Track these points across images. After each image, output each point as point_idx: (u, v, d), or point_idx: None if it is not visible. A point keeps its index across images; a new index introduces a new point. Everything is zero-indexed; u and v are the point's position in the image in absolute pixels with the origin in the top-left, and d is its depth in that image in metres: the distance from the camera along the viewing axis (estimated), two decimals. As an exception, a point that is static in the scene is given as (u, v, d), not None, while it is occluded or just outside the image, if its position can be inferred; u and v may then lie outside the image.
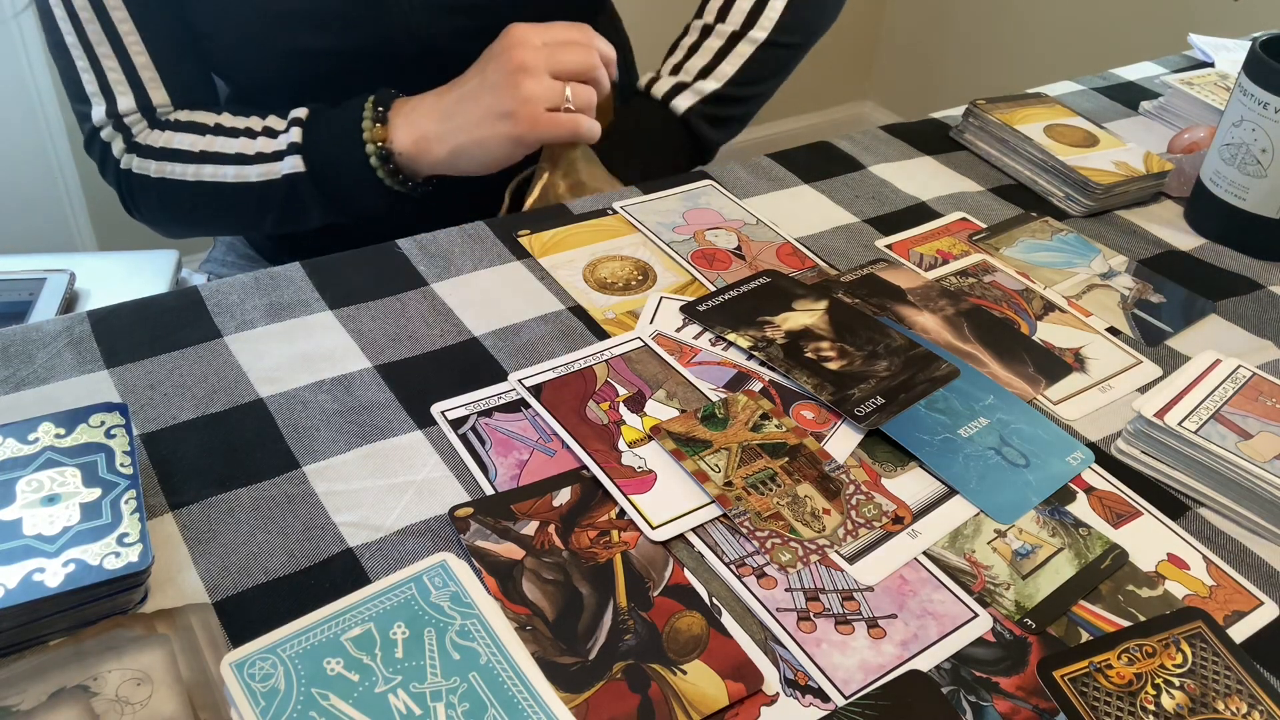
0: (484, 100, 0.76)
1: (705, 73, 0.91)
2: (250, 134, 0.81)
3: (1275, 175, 0.76)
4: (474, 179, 0.81)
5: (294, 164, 0.79)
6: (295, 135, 0.79)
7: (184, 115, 0.83)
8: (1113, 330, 0.70)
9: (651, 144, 0.90)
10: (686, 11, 0.97)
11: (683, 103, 0.90)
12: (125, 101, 0.81)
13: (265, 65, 0.83)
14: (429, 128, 0.78)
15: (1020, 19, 2.38)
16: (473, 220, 0.75)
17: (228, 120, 0.82)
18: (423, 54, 0.83)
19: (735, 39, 0.91)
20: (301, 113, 0.80)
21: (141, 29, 0.79)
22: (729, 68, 0.91)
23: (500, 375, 0.60)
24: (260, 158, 0.80)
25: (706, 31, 0.92)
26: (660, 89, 0.91)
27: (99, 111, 0.81)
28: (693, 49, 0.92)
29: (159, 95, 0.82)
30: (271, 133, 0.81)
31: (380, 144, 0.78)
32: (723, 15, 0.92)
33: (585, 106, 0.78)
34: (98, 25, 0.78)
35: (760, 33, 0.91)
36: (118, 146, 0.82)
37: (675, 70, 0.92)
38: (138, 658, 0.43)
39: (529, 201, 0.82)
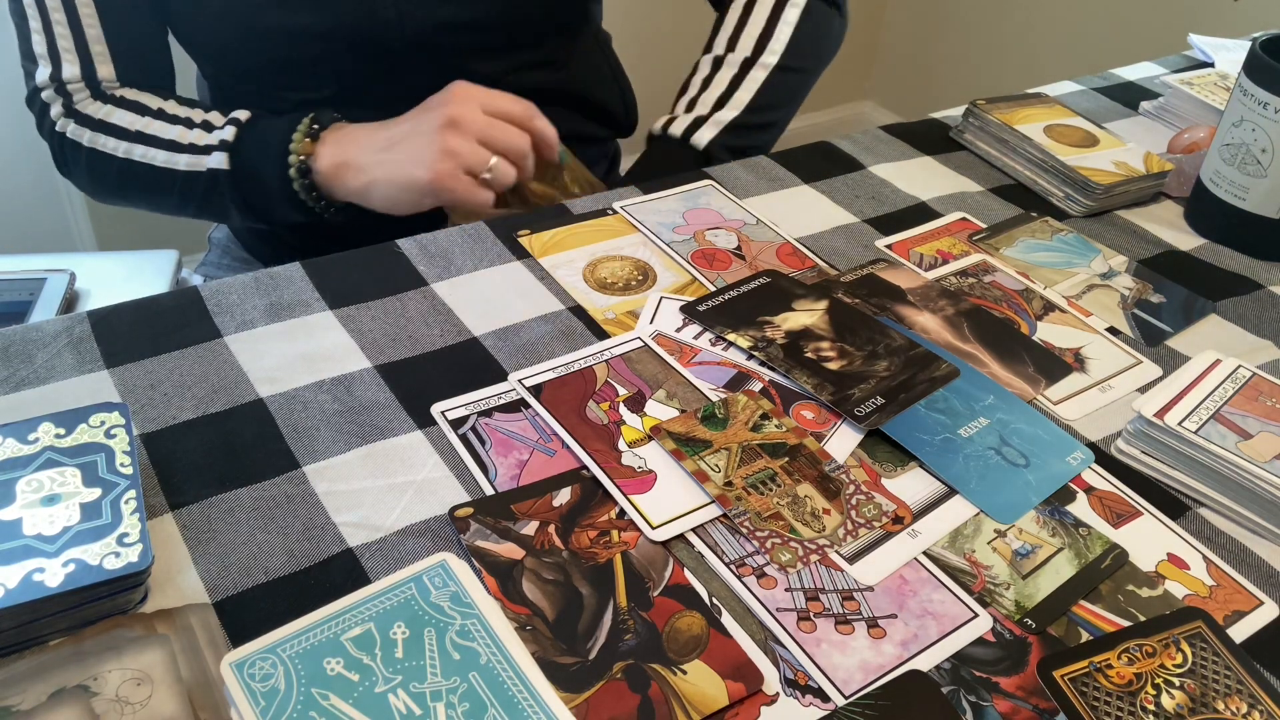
0: (409, 144, 0.77)
1: (721, 103, 0.91)
2: (189, 124, 0.82)
3: (1275, 175, 0.76)
4: None
5: (219, 160, 0.80)
6: (228, 133, 0.80)
7: (130, 93, 0.84)
8: (1113, 330, 0.70)
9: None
10: (682, 48, 0.97)
11: (704, 136, 0.89)
12: (70, 69, 0.82)
13: (242, 45, 0.83)
14: (352, 156, 0.78)
15: (1020, 19, 2.38)
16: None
17: (171, 107, 0.83)
18: (408, 45, 0.83)
19: (748, 66, 0.91)
20: (243, 114, 0.81)
21: (98, 1, 0.80)
22: (744, 94, 0.91)
23: (500, 375, 0.60)
24: (191, 148, 0.81)
25: (718, 63, 0.93)
26: (678, 128, 0.91)
27: (44, 73, 0.82)
28: (706, 82, 0.92)
29: (105, 69, 0.83)
30: (209, 126, 0.81)
31: (303, 158, 0.78)
32: (732, 44, 0.92)
33: (501, 185, 0.78)
34: None
35: (771, 57, 0.91)
36: (55, 110, 0.83)
37: (690, 106, 0.92)
38: (138, 658, 0.43)
39: None
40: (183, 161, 0.81)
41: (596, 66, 1.01)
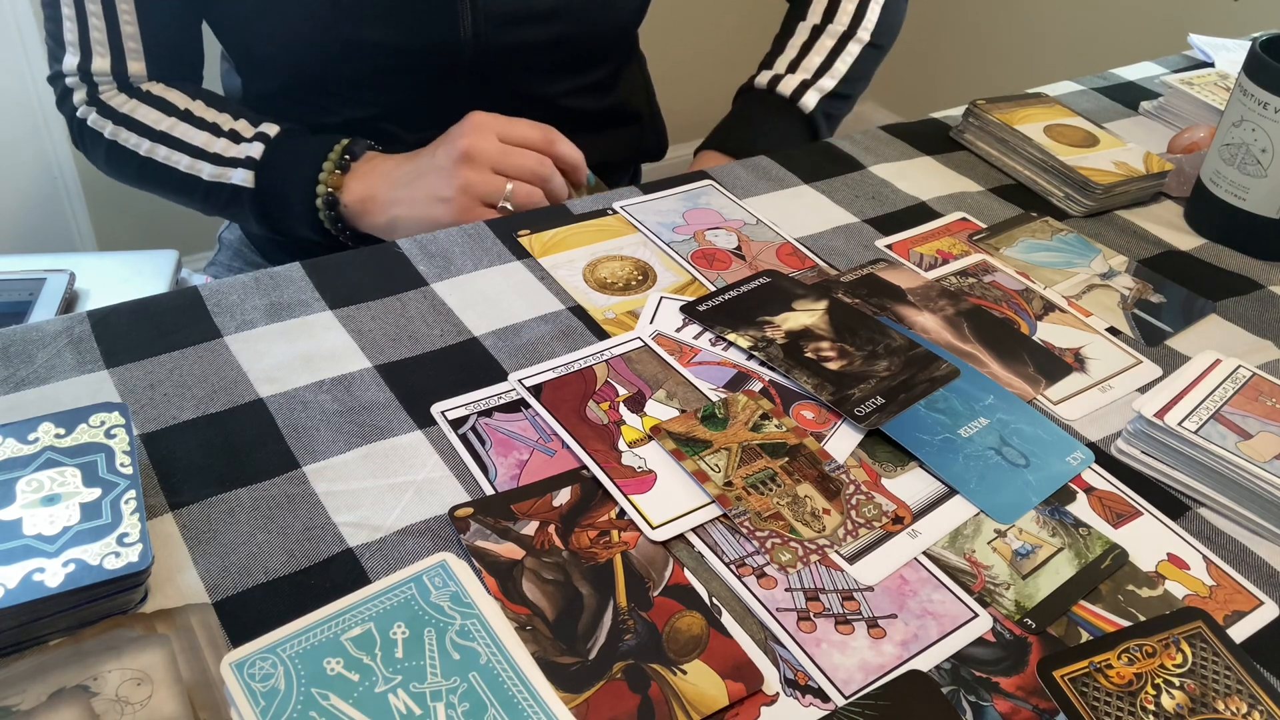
0: (427, 180, 0.77)
1: (822, 70, 0.94)
2: (216, 131, 0.81)
3: (1275, 175, 0.76)
4: None
5: (244, 177, 0.80)
6: (256, 151, 0.80)
7: (157, 89, 0.83)
8: (1113, 330, 0.70)
9: (777, 141, 0.93)
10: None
11: (810, 100, 0.93)
12: (100, 63, 0.81)
13: (305, 58, 0.83)
14: (379, 191, 0.78)
15: (1020, 19, 2.38)
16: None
17: (198, 108, 0.82)
18: (474, 66, 0.84)
19: (845, 39, 0.95)
20: (271, 129, 0.80)
21: (138, 2, 0.80)
22: (842, 65, 0.95)
23: (500, 375, 0.60)
24: (217, 159, 0.81)
25: (817, 32, 0.96)
26: (787, 87, 0.94)
27: (71, 62, 0.82)
28: (805, 47, 0.96)
29: (136, 66, 0.82)
30: (236, 137, 0.81)
31: (331, 190, 0.78)
32: (830, 16, 0.96)
33: (523, 208, 0.77)
34: None
35: (865, 33, 0.96)
36: (79, 96, 0.83)
37: (793, 67, 0.95)
38: (138, 658, 0.43)
39: None
40: (206, 171, 0.81)
41: (637, 89, 1.03)
